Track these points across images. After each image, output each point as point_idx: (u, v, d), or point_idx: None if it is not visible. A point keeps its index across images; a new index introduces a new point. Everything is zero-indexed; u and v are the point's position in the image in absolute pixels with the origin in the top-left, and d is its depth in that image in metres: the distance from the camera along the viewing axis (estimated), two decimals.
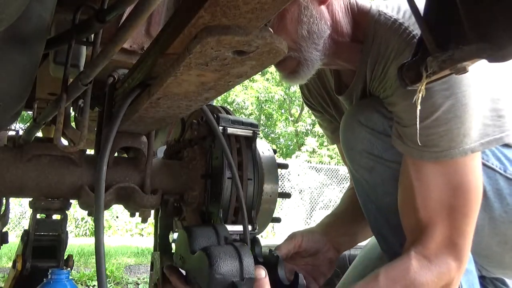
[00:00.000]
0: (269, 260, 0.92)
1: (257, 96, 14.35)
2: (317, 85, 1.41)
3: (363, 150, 1.08)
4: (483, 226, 1.06)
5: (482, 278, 1.24)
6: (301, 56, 1.07)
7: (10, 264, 1.72)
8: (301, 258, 1.21)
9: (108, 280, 3.44)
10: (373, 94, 1.11)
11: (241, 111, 13.98)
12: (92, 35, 0.87)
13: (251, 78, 0.67)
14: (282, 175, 9.28)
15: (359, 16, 1.11)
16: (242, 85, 13.49)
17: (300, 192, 10.08)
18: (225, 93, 0.77)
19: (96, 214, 0.76)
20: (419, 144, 0.90)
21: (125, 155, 1.20)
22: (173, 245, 1.18)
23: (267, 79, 14.43)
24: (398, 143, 1.01)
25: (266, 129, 15.11)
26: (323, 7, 1.07)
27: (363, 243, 1.47)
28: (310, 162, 12.14)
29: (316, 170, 10.63)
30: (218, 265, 0.76)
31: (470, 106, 0.91)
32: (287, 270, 1.04)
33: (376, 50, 1.05)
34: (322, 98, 1.42)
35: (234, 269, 0.77)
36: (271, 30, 1.03)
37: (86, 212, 1.02)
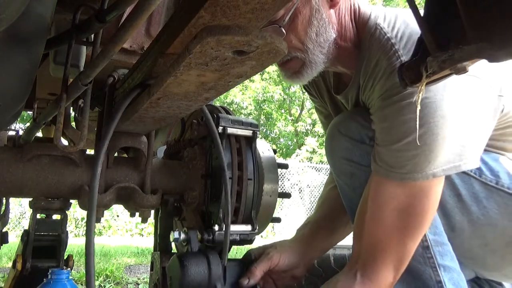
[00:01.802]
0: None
1: (255, 96, 14.36)
2: (318, 79, 1.41)
3: (343, 157, 1.14)
4: (463, 230, 1.09)
5: (477, 278, 1.24)
6: (307, 58, 1.09)
7: (10, 264, 1.72)
8: (269, 271, 1.22)
9: (108, 280, 3.44)
10: (363, 101, 1.14)
11: (240, 111, 13.98)
12: (92, 35, 0.87)
13: (249, 78, 0.67)
14: (282, 175, 9.28)
15: (359, 23, 1.13)
16: (241, 86, 13.49)
17: (300, 192, 10.08)
18: (223, 94, 0.77)
19: (88, 211, 0.76)
20: (388, 163, 0.97)
21: (125, 155, 1.20)
22: (173, 245, 1.18)
23: (264, 79, 14.45)
24: (371, 160, 1.06)
25: (266, 129, 15.11)
26: (332, 11, 1.09)
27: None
28: (310, 161, 12.15)
29: (316, 170, 10.63)
30: (187, 268, 0.85)
31: (441, 136, 0.94)
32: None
33: (369, 65, 1.07)
34: (319, 89, 1.44)
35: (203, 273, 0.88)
36: (283, 29, 1.04)
37: (86, 212, 1.02)
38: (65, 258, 1.55)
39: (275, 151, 1.26)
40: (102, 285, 3.33)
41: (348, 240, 1.41)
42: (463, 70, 0.67)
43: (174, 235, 1.03)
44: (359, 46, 1.12)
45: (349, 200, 1.19)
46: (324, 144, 1.23)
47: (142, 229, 8.57)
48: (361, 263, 1.04)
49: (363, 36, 1.11)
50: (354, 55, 1.13)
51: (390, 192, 1.00)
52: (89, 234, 0.73)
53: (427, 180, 0.97)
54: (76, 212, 7.96)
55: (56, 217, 1.62)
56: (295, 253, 1.25)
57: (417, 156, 0.95)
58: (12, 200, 2.16)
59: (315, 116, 13.54)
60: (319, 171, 10.60)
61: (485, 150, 1.06)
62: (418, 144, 0.91)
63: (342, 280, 1.04)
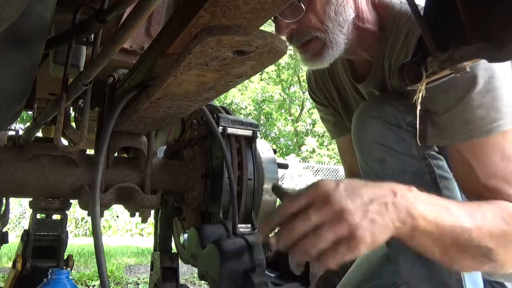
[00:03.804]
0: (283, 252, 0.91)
1: (255, 96, 14.37)
2: (325, 78, 1.41)
3: (375, 141, 1.06)
4: None
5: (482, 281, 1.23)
6: (327, 38, 1.07)
7: (10, 264, 1.72)
8: None
9: (108, 280, 3.44)
10: (393, 85, 1.11)
11: (240, 111, 13.98)
12: (92, 35, 0.87)
13: (249, 78, 0.67)
14: (282, 175, 9.27)
15: (379, 5, 1.12)
16: (240, 86, 13.50)
17: None
18: (223, 94, 0.77)
19: (92, 213, 0.76)
20: (464, 125, 0.91)
21: (125, 155, 1.20)
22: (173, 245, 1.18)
23: (264, 79, 14.45)
24: (437, 140, 1.00)
25: (265, 129, 15.12)
26: None
27: None
28: (308, 161, 12.14)
29: (316, 170, 10.62)
30: (229, 255, 0.75)
31: (506, 80, 0.91)
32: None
33: (396, 40, 1.05)
34: (329, 92, 1.42)
35: (244, 258, 0.76)
36: (303, 5, 1.03)
37: (86, 212, 1.02)
38: (65, 258, 1.55)
39: (275, 151, 1.26)
40: None
41: None
42: (463, 70, 0.67)
43: (184, 237, 1.02)
44: (382, 27, 1.11)
45: None
46: (352, 131, 1.13)
47: (142, 229, 8.56)
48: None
49: (386, 15, 1.10)
50: (376, 37, 1.12)
51: (483, 148, 0.93)
52: (97, 237, 0.73)
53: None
54: (76, 212, 7.95)
55: (56, 217, 1.62)
56: None
57: (494, 101, 0.91)
58: (12, 200, 2.16)
59: (315, 116, 13.53)
60: (318, 171, 10.59)
61: None
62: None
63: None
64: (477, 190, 0.96)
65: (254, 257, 0.77)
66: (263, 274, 0.76)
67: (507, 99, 0.92)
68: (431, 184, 1.00)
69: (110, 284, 3.28)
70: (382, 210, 0.76)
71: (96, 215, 0.77)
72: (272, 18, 1.07)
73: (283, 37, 1.14)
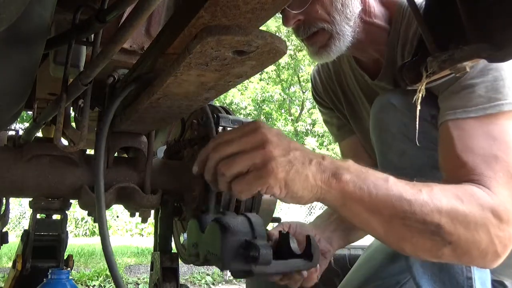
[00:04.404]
0: (283, 238, 0.89)
1: (255, 96, 14.37)
2: (332, 82, 1.40)
3: (398, 132, 1.03)
4: None
5: None
6: (334, 29, 1.08)
7: (10, 264, 1.72)
8: None
9: (108, 280, 3.44)
10: None
11: (240, 111, 13.99)
12: (92, 35, 0.87)
13: (249, 78, 0.67)
14: None
15: (386, 1, 1.12)
16: (240, 86, 13.50)
17: None
18: (223, 94, 0.77)
19: (98, 213, 0.76)
20: (463, 102, 0.89)
21: (125, 155, 1.20)
22: (174, 248, 1.18)
23: (263, 79, 14.45)
24: (439, 116, 0.97)
25: None
26: None
27: (365, 244, 1.46)
28: None
29: None
30: (229, 227, 0.73)
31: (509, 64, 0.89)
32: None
33: (407, 30, 1.05)
34: (335, 94, 1.41)
35: (245, 230, 0.74)
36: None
37: (86, 212, 1.02)
38: (65, 258, 1.55)
39: None
40: (102, 285, 3.33)
41: (363, 241, 1.38)
42: (463, 70, 0.67)
43: (184, 237, 1.01)
44: (390, 22, 1.11)
45: None
46: (372, 121, 1.10)
47: (142, 229, 8.57)
48: (464, 178, 0.86)
49: (394, 10, 1.10)
50: (384, 32, 1.12)
51: (470, 127, 0.90)
52: (104, 236, 0.73)
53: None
54: (76, 212, 7.95)
55: (56, 217, 1.62)
56: (307, 227, 1.19)
57: (495, 81, 0.89)
58: (12, 200, 2.16)
59: (315, 116, 13.53)
60: None
61: None
62: (418, 144, 0.89)
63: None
64: (450, 165, 0.90)
65: (255, 229, 0.75)
66: (265, 242, 0.74)
67: (509, 81, 0.89)
68: None
69: (110, 284, 3.28)
70: (305, 161, 0.74)
71: (102, 219, 0.77)
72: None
73: (290, 28, 1.14)
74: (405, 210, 0.75)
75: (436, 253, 0.80)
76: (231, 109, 1.21)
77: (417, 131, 0.90)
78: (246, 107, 14.40)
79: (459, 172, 0.87)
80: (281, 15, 1.11)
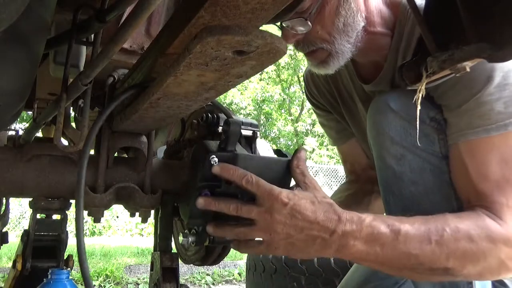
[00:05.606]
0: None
1: (255, 96, 14.37)
2: (327, 83, 1.39)
3: (396, 136, 1.03)
4: None
5: None
6: (333, 49, 1.07)
7: (10, 264, 1.72)
8: None
9: (108, 280, 3.44)
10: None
11: (240, 111, 13.99)
12: (92, 35, 0.87)
13: (249, 78, 0.67)
14: None
15: (391, 3, 1.11)
16: (240, 86, 13.51)
17: None
18: (223, 94, 0.77)
19: (77, 211, 0.76)
20: (471, 123, 0.90)
21: (125, 155, 1.20)
22: (175, 249, 1.17)
23: (263, 79, 14.46)
24: (449, 134, 0.98)
25: (265, 129, 15.12)
26: None
27: None
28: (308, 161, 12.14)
29: (316, 170, 10.62)
30: (208, 143, 0.85)
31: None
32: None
33: (411, 34, 1.04)
34: (332, 96, 1.40)
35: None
36: (309, 22, 1.02)
37: (86, 212, 1.02)
38: (65, 258, 1.55)
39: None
40: (102, 285, 3.33)
41: None
42: (463, 70, 0.67)
43: (182, 237, 1.01)
44: (391, 27, 1.10)
45: (386, 185, 1.08)
46: (369, 124, 1.09)
47: (142, 229, 8.57)
48: (478, 206, 0.90)
49: (398, 12, 1.09)
50: (387, 37, 1.11)
51: (482, 149, 0.91)
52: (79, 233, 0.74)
53: None
54: None
55: (56, 217, 1.61)
56: None
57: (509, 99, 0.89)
58: (12, 200, 2.16)
59: (315, 116, 13.53)
60: (318, 171, 10.59)
61: None
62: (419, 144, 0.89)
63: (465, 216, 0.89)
64: (466, 194, 0.95)
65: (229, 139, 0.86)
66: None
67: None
68: (450, 184, 0.97)
69: (110, 284, 3.28)
70: (308, 241, 0.81)
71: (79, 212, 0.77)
72: (278, 26, 1.07)
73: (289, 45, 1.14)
74: (413, 263, 0.83)
75: (440, 280, 0.92)
76: (231, 109, 1.21)
77: (417, 131, 0.90)
78: (246, 107, 14.40)
79: (473, 199, 0.93)
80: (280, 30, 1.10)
